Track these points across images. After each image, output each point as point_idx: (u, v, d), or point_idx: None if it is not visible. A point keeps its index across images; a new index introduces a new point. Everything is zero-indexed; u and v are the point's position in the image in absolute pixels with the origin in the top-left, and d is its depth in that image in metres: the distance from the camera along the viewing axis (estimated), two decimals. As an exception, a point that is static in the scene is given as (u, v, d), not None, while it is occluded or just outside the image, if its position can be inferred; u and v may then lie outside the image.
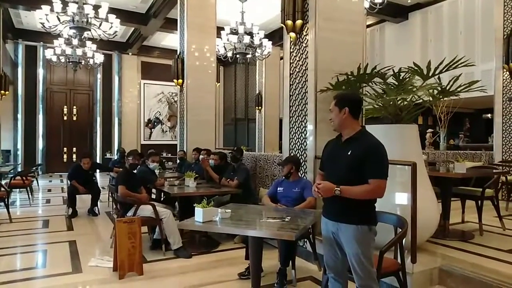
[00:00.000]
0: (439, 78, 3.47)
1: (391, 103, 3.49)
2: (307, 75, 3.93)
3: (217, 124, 15.36)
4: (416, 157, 3.23)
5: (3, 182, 7.05)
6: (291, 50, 4.17)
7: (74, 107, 13.93)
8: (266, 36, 9.54)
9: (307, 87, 3.93)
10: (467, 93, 3.53)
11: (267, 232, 2.50)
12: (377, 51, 11.34)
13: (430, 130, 9.44)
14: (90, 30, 8.41)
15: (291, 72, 4.18)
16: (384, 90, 3.58)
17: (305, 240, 3.70)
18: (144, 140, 14.76)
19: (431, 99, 3.63)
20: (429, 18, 10.12)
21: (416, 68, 3.37)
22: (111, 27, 8.16)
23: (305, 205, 3.43)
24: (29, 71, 13.03)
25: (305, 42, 3.96)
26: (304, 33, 3.99)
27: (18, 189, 7.96)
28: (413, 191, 2.88)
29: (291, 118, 4.22)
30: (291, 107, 4.20)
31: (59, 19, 7.81)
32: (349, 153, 2.11)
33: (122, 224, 3.45)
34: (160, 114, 15.15)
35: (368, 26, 10.98)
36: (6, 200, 5.57)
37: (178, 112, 7.84)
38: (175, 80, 7.53)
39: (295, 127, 4.15)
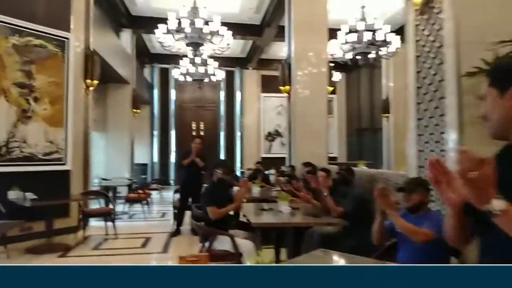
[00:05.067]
0: None
1: None
2: (442, 53, 2.60)
3: (339, 135, 14.27)
4: None
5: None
6: (417, 23, 2.90)
7: (202, 122, 14.61)
8: (393, 32, 8.08)
9: (443, 72, 2.60)
10: None
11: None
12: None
13: None
14: (203, 45, 8.47)
15: (418, 54, 2.89)
16: None
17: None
18: (264, 153, 14.52)
19: None
20: None
21: None
22: (222, 40, 8.01)
23: (415, 232, 2.15)
24: (163, 92, 14.28)
25: (438, 6, 2.65)
26: (437, -5, 2.69)
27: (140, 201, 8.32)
28: None
29: (419, 122, 2.91)
30: (419, 105, 2.90)
31: (173, 36, 8.01)
32: None
33: (185, 262, 2.73)
34: (279, 127, 14.74)
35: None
36: (112, 216, 5.64)
37: (286, 122, 7.06)
38: (281, 88, 6.79)
39: (427, 134, 2.83)
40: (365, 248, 2.69)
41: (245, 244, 3.32)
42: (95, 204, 6.54)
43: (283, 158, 13.71)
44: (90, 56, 6.18)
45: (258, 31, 10.98)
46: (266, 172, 7.89)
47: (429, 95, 2.76)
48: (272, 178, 7.19)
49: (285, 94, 7.19)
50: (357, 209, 3.42)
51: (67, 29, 5.55)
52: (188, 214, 5.95)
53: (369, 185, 4.27)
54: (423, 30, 2.81)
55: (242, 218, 4.26)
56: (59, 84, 5.39)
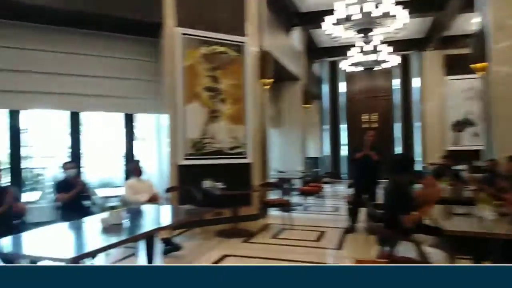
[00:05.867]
0: None
1: None
2: None
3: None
4: None
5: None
6: None
7: (373, 114, 13.87)
8: None
9: None
10: None
11: None
12: None
13: None
14: (373, 30, 7.98)
15: None
16: None
17: None
18: (450, 146, 12.62)
19: None
20: None
21: None
22: (395, 21, 7.39)
23: None
24: (332, 85, 14.22)
25: None
26: None
27: (313, 194, 8.43)
28: None
29: None
30: None
31: (342, 25, 7.79)
32: None
33: (362, 265, 2.49)
34: (470, 114, 12.52)
35: None
36: (288, 207, 5.85)
37: (481, 108, 5.83)
38: (473, 66, 5.63)
39: None
40: None
41: (433, 252, 2.83)
42: (273, 195, 6.97)
43: (476, 151, 11.72)
44: (264, 57, 6.57)
45: (438, 5, 9.56)
46: (454, 167, 6.75)
47: None
48: (463, 175, 6.07)
49: (479, 74, 5.94)
50: None
51: (244, 34, 6.05)
52: (363, 211, 5.63)
53: None
54: None
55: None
56: (239, 85, 5.95)
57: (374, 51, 9.26)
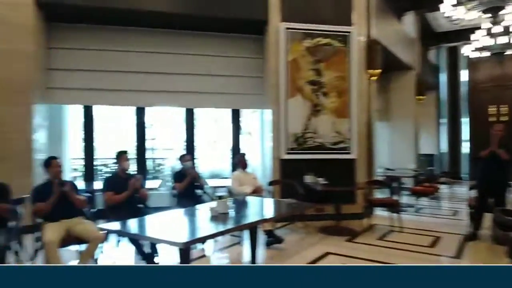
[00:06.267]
0: None
1: None
2: None
3: None
4: None
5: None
6: None
7: (503, 105, 11.99)
8: None
9: None
10: None
11: None
12: None
13: None
14: (504, 8, 6.92)
15: None
16: None
17: None
18: None
19: None
20: None
21: None
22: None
23: None
24: (451, 74, 12.75)
25: None
26: None
27: (427, 195, 7.68)
28: None
29: None
30: None
31: (464, 6, 6.91)
32: None
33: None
34: None
35: None
36: (397, 207, 5.43)
37: None
38: None
39: None
40: None
41: None
42: (380, 194, 6.57)
43: None
44: (371, 46, 6.19)
45: None
46: None
47: None
48: None
49: None
50: None
51: (349, 24, 5.80)
52: (488, 216, 4.91)
53: None
54: None
55: None
56: (344, 77, 5.73)
57: (505, 32, 7.98)
